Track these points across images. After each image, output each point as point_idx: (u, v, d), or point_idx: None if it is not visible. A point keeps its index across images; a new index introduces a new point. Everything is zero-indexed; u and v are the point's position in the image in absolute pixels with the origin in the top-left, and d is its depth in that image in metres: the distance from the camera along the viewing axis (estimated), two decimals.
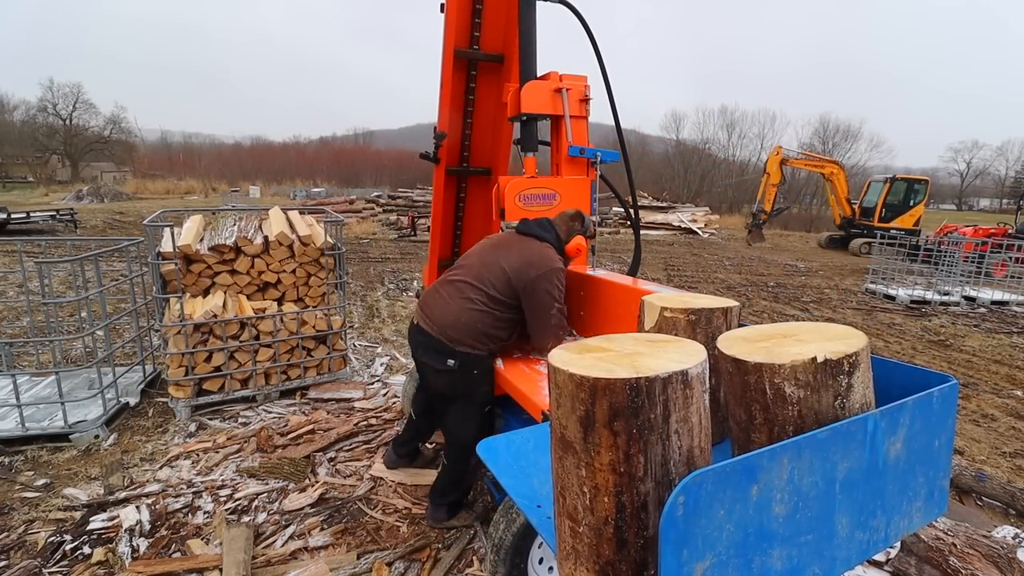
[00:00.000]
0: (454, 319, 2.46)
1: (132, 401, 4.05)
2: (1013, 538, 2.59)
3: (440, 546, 2.61)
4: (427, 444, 3.33)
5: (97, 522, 2.70)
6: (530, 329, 2.56)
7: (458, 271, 2.62)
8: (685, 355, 1.18)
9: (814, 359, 1.22)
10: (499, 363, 2.60)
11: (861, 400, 1.28)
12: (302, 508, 2.87)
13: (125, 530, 2.62)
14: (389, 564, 2.47)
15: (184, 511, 2.83)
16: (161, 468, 3.25)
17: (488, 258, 2.58)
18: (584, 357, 1.20)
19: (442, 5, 3.20)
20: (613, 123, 3.27)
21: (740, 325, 1.67)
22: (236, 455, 3.40)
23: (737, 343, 1.37)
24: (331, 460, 3.35)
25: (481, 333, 2.47)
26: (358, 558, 2.51)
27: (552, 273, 2.48)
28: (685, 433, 1.13)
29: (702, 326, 1.65)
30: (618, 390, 1.05)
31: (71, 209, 15.94)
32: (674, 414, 1.10)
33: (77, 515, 2.78)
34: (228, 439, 3.59)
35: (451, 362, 2.47)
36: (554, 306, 2.49)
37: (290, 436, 3.60)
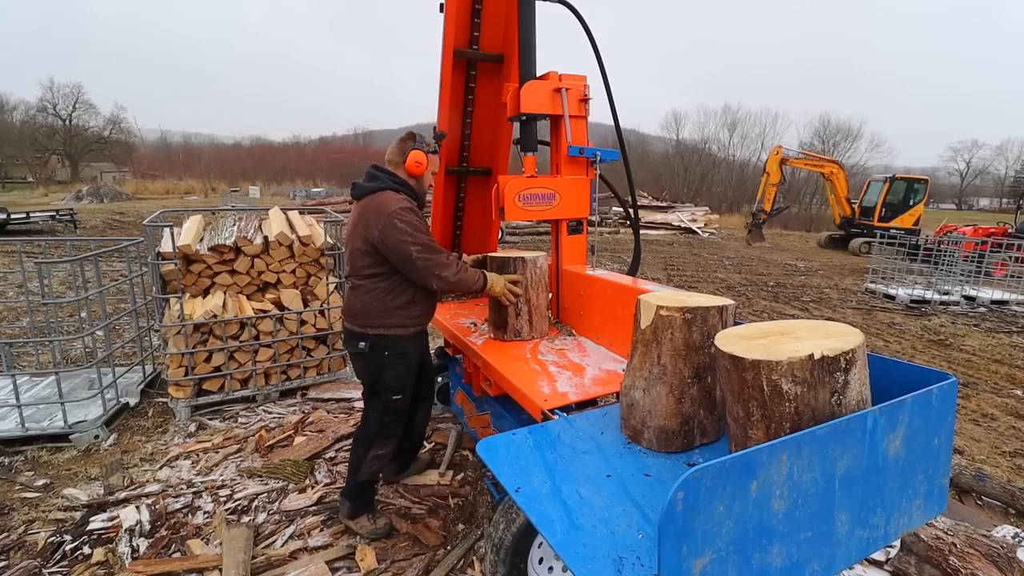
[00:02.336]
0: (354, 308, 2.52)
1: (132, 401, 4.05)
2: (1013, 537, 2.59)
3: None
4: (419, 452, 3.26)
5: (97, 522, 2.71)
6: (411, 279, 2.48)
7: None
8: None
9: (811, 356, 1.22)
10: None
11: (857, 397, 1.28)
12: (302, 508, 2.87)
13: (125, 530, 2.62)
14: None
15: (184, 511, 2.83)
16: (161, 468, 3.25)
17: (349, 246, 2.56)
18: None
19: (441, 5, 3.20)
20: (612, 123, 3.26)
21: (737, 323, 1.68)
22: (236, 455, 3.40)
23: (735, 340, 1.37)
24: (331, 460, 3.35)
25: (382, 311, 2.46)
26: None
27: (392, 218, 2.35)
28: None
29: (698, 324, 1.65)
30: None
31: (71, 209, 15.95)
32: None
33: (77, 515, 2.78)
34: (228, 439, 3.59)
35: (363, 344, 2.49)
36: (411, 249, 2.37)
37: (283, 435, 3.60)
